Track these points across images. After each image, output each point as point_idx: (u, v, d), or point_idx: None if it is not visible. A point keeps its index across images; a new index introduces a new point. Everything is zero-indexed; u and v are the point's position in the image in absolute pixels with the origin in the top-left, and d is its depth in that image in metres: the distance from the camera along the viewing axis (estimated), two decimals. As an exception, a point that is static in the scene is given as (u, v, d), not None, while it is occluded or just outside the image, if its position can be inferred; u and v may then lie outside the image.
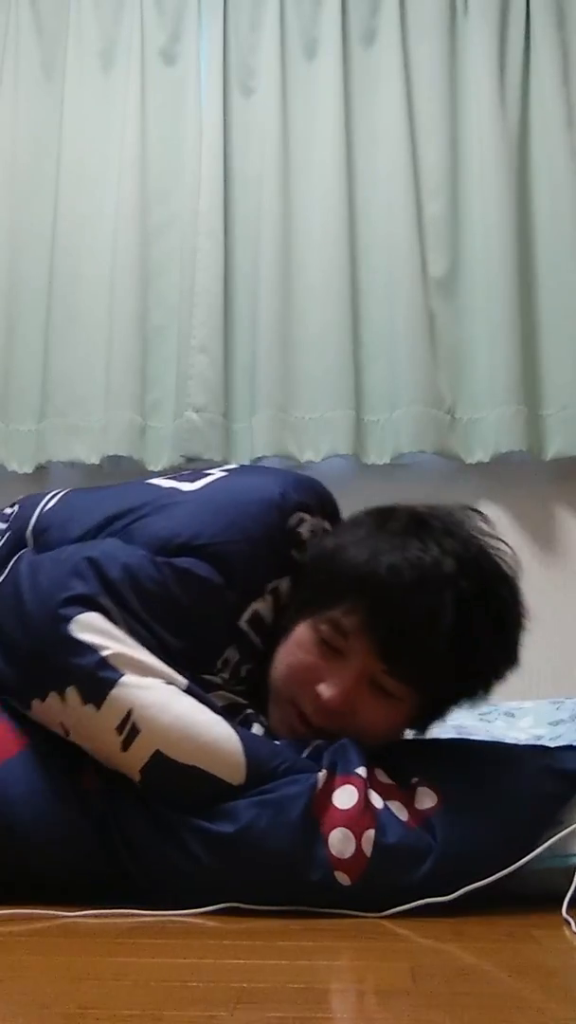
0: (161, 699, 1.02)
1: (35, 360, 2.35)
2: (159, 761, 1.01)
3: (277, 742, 1.09)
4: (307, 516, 1.16)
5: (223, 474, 1.23)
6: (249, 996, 0.70)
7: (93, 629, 1.03)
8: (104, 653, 1.02)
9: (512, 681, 1.15)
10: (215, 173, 2.36)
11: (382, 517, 1.14)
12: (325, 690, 1.08)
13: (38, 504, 1.24)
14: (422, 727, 1.19)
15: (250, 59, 2.44)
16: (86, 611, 1.04)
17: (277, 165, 2.36)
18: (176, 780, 1.01)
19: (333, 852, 0.99)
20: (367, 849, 0.99)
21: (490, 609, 1.08)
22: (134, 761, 1.02)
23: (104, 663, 1.02)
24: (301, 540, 1.15)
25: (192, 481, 1.20)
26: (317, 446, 2.26)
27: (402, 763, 1.09)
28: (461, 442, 2.28)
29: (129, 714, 1.01)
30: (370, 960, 0.82)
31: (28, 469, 2.30)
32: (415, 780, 1.06)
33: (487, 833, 1.02)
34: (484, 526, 1.13)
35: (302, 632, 1.12)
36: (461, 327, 2.33)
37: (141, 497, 1.19)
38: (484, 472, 2.30)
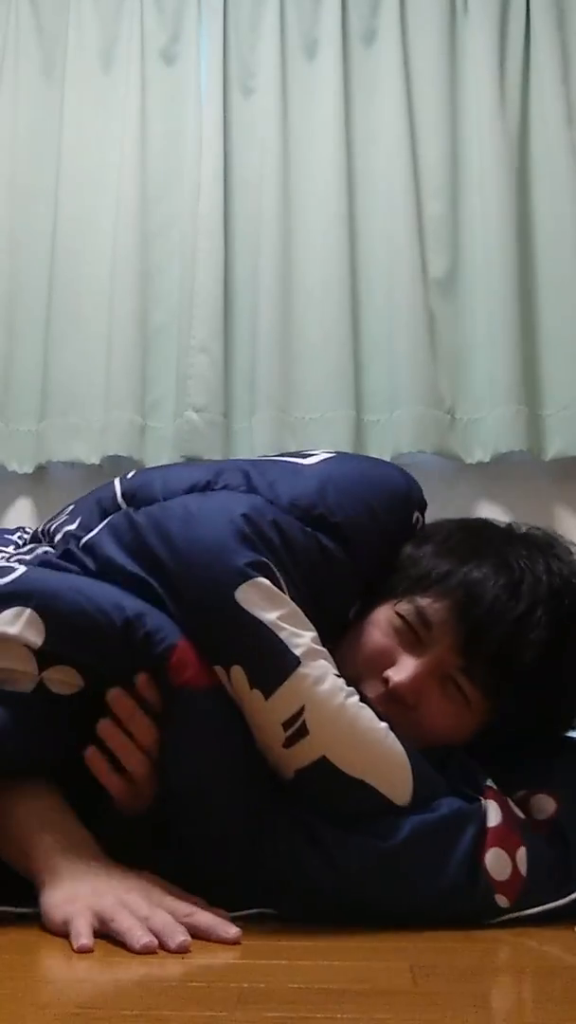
0: (335, 699, 0.94)
1: (35, 360, 2.35)
2: (322, 768, 0.93)
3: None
4: (421, 516, 1.15)
5: (333, 454, 1.17)
6: (249, 996, 0.70)
7: (266, 596, 0.95)
8: (281, 633, 0.94)
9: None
10: (215, 173, 2.36)
11: (479, 526, 1.14)
12: (395, 674, 1.03)
13: (110, 485, 1.16)
14: (483, 746, 1.10)
15: (250, 59, 2.44)
16: (255, 575, 0.95)
17: (277, 165, 2.36)
18: (336, 790, 0.94)
19: (492, 874, 0.95)
20: (522, 868, 0.96)
21: None
22: (293, 761, 0.94)
23: (278, 646, 0.93)
24: (417, 541, 1.12)
25: (301, 458, 1.15)
26: (317, 446, 2.25)
27: (499, 776, 1.04)
28: (461, 442, 2.28)
29: (301, 711, 0.93)
30: (370, 960, 0.82)
31: (28, 469, 2.30)
32: (522, 792, 1.03)
33: None
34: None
35: (382, 614, 1.07)
36: (461, 327, 2.33)
37: (241, 466, 1.12)
38: (484, 472, 2.30)
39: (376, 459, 1.46)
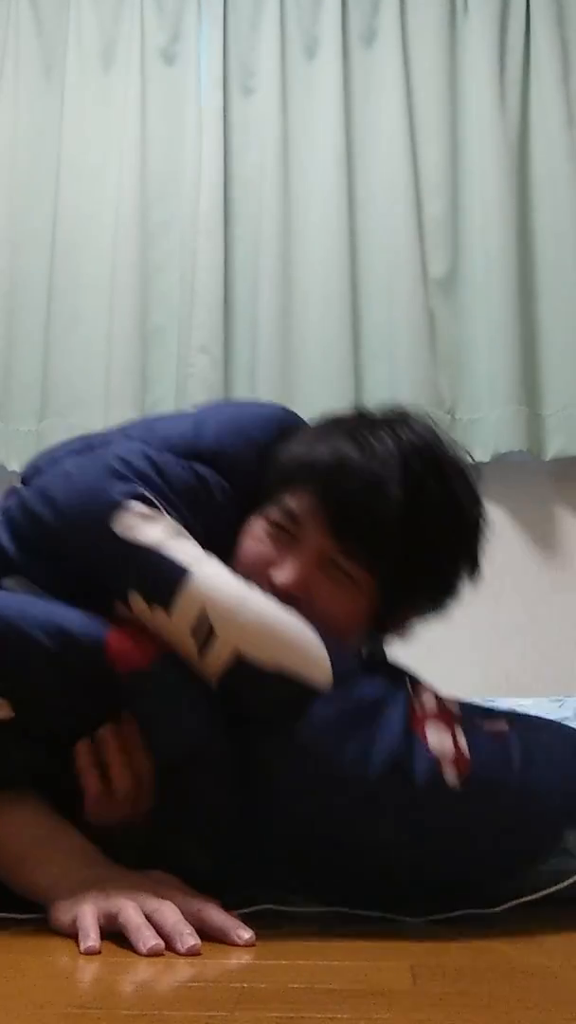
0: (234, 593, 0.94)
1: (35, 360, 2.35)
2: (239, 666, 0.92)
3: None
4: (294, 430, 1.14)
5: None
6: (249, 996, 0.70)
7: (141, 519, 0.95)
8: (163, 549, 0.94)
9: (513, 680, 1.14)
10: (215, 173, 2.36)
11: (331, 417, 1.13)
12: (280, 574, 1.02)
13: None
14: (385, 626, 1.12)
15: (250, 59, 2.44)
16: (128, 502, 0.96)
17: (277, 165, 2.36)
18: (258, 686, 0.93)
19: (435, 749, 0.92)
20: (463, 746, 0.93)
21: (443, 491, 1.05)
22: (212, 667, 0.93)
23: (164, 562, 0.94)
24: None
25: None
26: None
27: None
28: (461, 442, 2.27)
29: (203, 614, 0.92)
30: (370, 960, 0.82)
31: (28, 469, 2.30)
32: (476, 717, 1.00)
33: (564, 755, 0.98)
34: (447, 437, 1.12)
35: (254, 525, 1.06)
36: (461, 327, 2.33)
37: (126, 425, 1.16)
38: (484, 472, 2.28)
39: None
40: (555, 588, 2.29)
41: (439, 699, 0.98)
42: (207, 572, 0.95)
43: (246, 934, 0.85)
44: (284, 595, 1.00)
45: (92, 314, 2.34)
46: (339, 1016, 0.66)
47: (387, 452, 1.03)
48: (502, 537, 2.32)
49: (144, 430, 1.11)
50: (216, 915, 0.87)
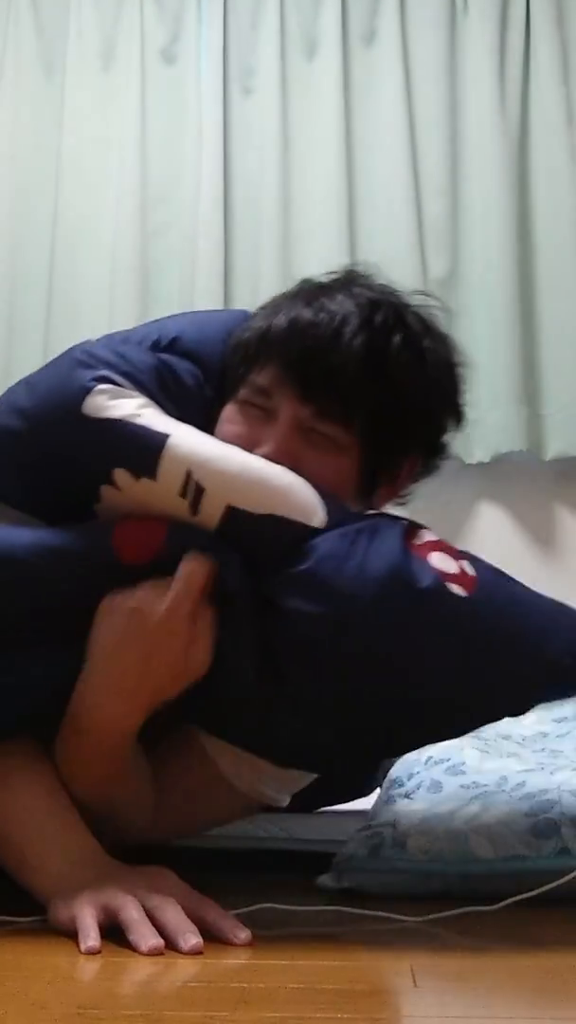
0: (219, 451, 0.95)
1: (35, 360, 2.34)
2: (233, 518, 0.92)
3: None
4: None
5: None
6: (249, 996, 0.70)
7: (112, 397, 0.95)
8: (138, 420, 0.94)
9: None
10: (215, 173, 2.36)
11: (285, 293, 1.12)
12: (261, 450, 0.99)
13: None
14: (378, 486, 1.09)
15: (250, 59, 2.44)
16: (95, 384, 0.95)
17: (277, 165, 2.36)
18: (252, 536, 0.93)
19: (437, 567, 0.93)
20: (469, 570, 0.94)
21: (406, 335, 1.04)
22: (207, 524, 0.93)
23: (141, 431, 0.93)
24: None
25: None
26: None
27: None
28: (461, 442, 2.28)
29: (189, 474, 0.92)
30: (370, 960, 0.82)
31: (28, 469, 2.30)
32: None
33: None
34: (405, 292, 1.10)
35: (227, 410, 1.05)
36: (461, 327, 2.33)
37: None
38: (484, 472, 2.30)
39: None
40: (555, 588, 2.28)
41: (441, 540, 0.99)
42: (185, 433, 0.95)
43: (243, 934, 0.84)
44: None
45: (92, 314, 2.34)
46: (339, 1016, 0.66)
47: (342, 308, 1.02)
48: (502, 537, 2.33)
49: (105, 337, 1.10)
50: (214, 913, 0.86)
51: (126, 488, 0.94)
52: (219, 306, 2.31)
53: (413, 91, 2.40)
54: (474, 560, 0.97)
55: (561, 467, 2.31)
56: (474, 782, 1.14)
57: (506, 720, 1.53)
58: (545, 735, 1.42)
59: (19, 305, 2.37)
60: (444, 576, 0.92)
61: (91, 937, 0.81)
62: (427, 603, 0.91)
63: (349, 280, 1.09)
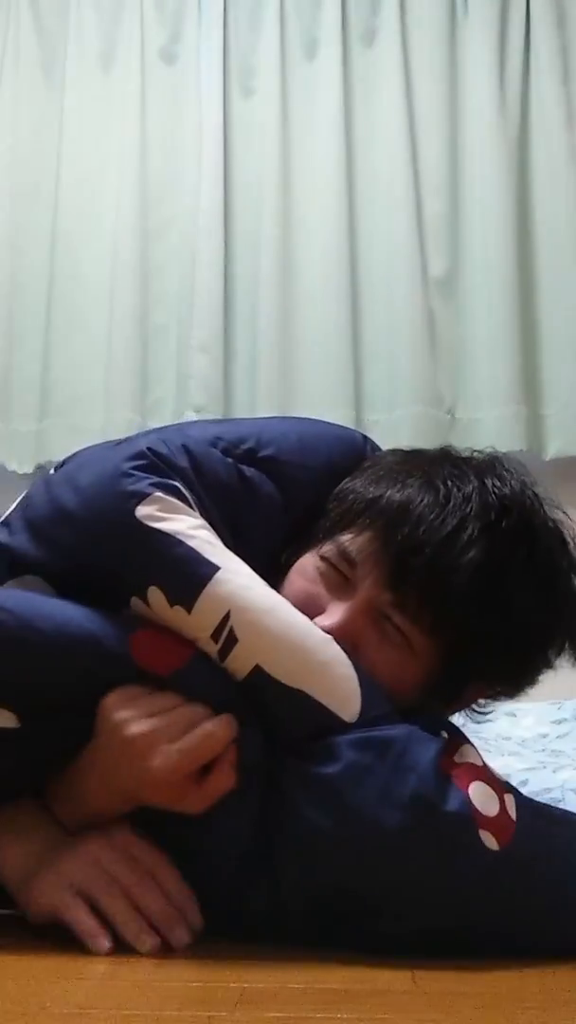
0: (266, 603, 0.85)
1: (35, 360, 2.35)
2: (259, 679, 0.84)
3: None
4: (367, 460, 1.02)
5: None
6: (249, 996, 0.70)
7: (170, 511, 0.86)
8: (191, 542, 0.84)
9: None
10: (215, 173, 2.36)
11: (413, 452, 1.01)
12: (324, 620, 0.90)
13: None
14: (443, 700, 0.97)
15: (250, 59, 2.44)
16: (156, 491, 0.86)
17: (277, 165, 2.36)
18: (276, 703, 0.84)
19: (476, 805, 0.80)
20: (512, 811, 0.82)
21: (531, 554, 0.90)
22: (233, 674, 0.85)
23: (190, 554, 0.84)
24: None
25: None
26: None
27: None
28: (461, 442, 2.24)
29: (227, 617, 0.83)
30: (370, 960, 0.82)
31: (28, 469, 2.30)
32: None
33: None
34: (543, 492, 0.97)
35: (305, 561, 0.95)
36: (461, 327, 2.33)
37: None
38: (484, 472, 2.29)
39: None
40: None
41: (486, 764, 0.88)
42: (236, 571, 0.86)
43: (180, 932, 0.82)
44: None
45: (92, 314, 2.34)
46: (339, 1016, 0.66)
47: (463, 508, 0.90)
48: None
49: (198, 427, 0.99)
50: (176, 892, 0.84)
51: (157, 609, 0.86)
52: (219, 306, 2.31)
53: (413, 91, 2.40)
54: (517, 795, 0.85)
55: (561, 467, 2.30)
56: (475, 781, 1.14)
57: (505, 721, 1.54)
58: (544, 736, 1.42)
59: (19, 305, 2.37)
60: (480, 820, 0.80)
61: (100, 936, 0.80)
62: (455, 853, 0.80)
63: (489, 467, 0.96)
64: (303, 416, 1.14)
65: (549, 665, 0.94)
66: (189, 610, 0.84)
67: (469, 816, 0.79)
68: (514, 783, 1.11)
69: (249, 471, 0.93)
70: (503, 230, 2.30)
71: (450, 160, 2.38)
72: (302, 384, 2.29)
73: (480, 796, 0.81)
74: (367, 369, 2.31)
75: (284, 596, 0.91)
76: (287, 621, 0.85)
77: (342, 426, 1.08)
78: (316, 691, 0.84)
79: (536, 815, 0.85)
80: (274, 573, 0.93)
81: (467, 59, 2.41)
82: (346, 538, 0.93)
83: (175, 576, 0.85)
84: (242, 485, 0.93)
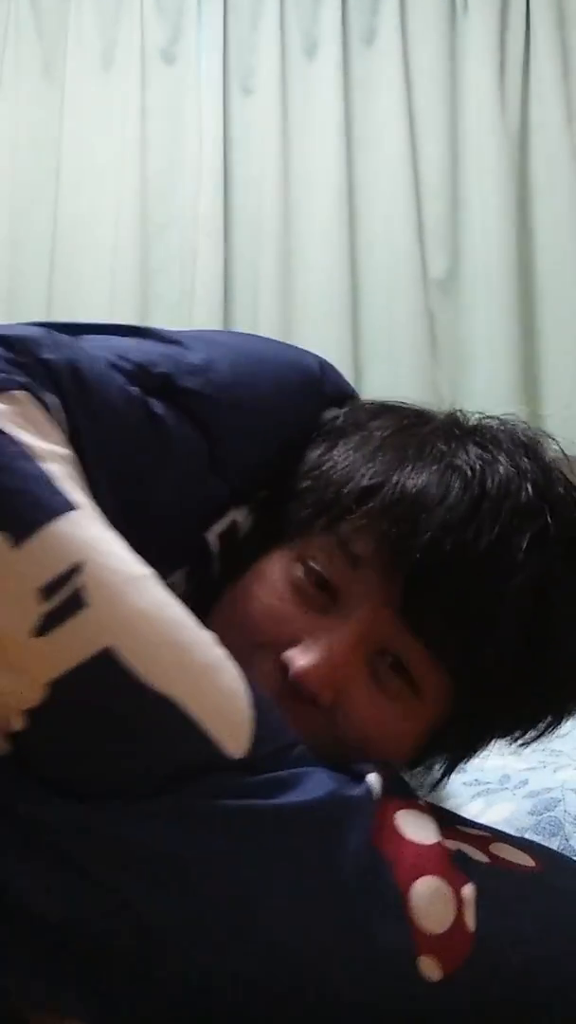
0: (136, 569, 0.54)
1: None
2: (101, 672, 0.51)
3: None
4: (341, 415, 0.75)
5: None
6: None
7: (26, 419, 0.55)
8: (45, 465, 0.54)
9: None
10: (215, 173, 2.36)
11: (419, 416, 0.73)
12: (299, 656, 0.62)
13: None
14: (441, 750, 0.72)
15: (250, 59, 2.44)
16: (14, 390, 0.56)
17: (277, 165, 2.37)
18: (122, 713, 0.51)
19: (420, 922, 0.52)
20: (470, 915, 0.54)
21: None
22: (52, 660, 0.51)
23: (40, 476, 0.54)
24: (325, 441, 0.72)
25: None
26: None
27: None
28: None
29: (76, 571, 0.51)
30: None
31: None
32: (486, 834, 0.63)
33: None
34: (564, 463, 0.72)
35: (275, 564, 0.67)
36: (461, 327, 2.34)
37: None
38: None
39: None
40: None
41: (436, 815, 0.60)
42: (103, 528, 0.55)
43: None
44: (298, 689, 0.62)
45: (92, 314, 2.34)
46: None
47: (506, 498, 0.64)
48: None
49: (99, 340, 0.67)
50: None
51: None
52: (219, 306, 2.31)
53: (413, 91, 2.40)
54: (481, 875, 0.56)
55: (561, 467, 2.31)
56: (476, 779, 1.14)
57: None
58: (545, 735, 1.42)
59: (19, 305, 2.37)
60: (421, 943, 0.52)
61: None
62: (376, 991, 0.52)
63: (520, 446, 0.69)
64: (245, 333, 0.81)
65: (570, 708, 0.71)
66: (17, 543, 0.51)
67: (407, 944, 0.52)
68: (514, 783, 1.11)
69: (160, 407, 0.64)
70: (503, 230, 2.31)
71: (450, 160, 2.38)
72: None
73: (428, 901, 0.53)
74: (367, 369, 2.32)
75: (237, 611, 0.66)
76: (161, 600, 0.54)
77: (292, 347, 0.79)
78: (192, 703, 0.52)
79: (508, 895, 0.57)
80: (195, 558, 0.67)
81: (467, 59, 2.41)
82: (337, 536, 0.65)
83: (7, 494, 0.53)
84: (150, 426, 0.63)
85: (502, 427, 0.71)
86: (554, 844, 1.04)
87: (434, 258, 2.35)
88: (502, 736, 0.72)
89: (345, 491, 0.66)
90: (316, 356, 0.77)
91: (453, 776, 1.14)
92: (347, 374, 2.48)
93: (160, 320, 2.34)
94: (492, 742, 0.73)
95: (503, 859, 0.60)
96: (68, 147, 2.40)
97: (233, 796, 0.52)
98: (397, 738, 0.65)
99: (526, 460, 0.67)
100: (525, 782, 1.12)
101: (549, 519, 0.65)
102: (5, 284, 2.37)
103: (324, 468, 0.69)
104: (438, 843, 0.56)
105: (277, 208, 2.35)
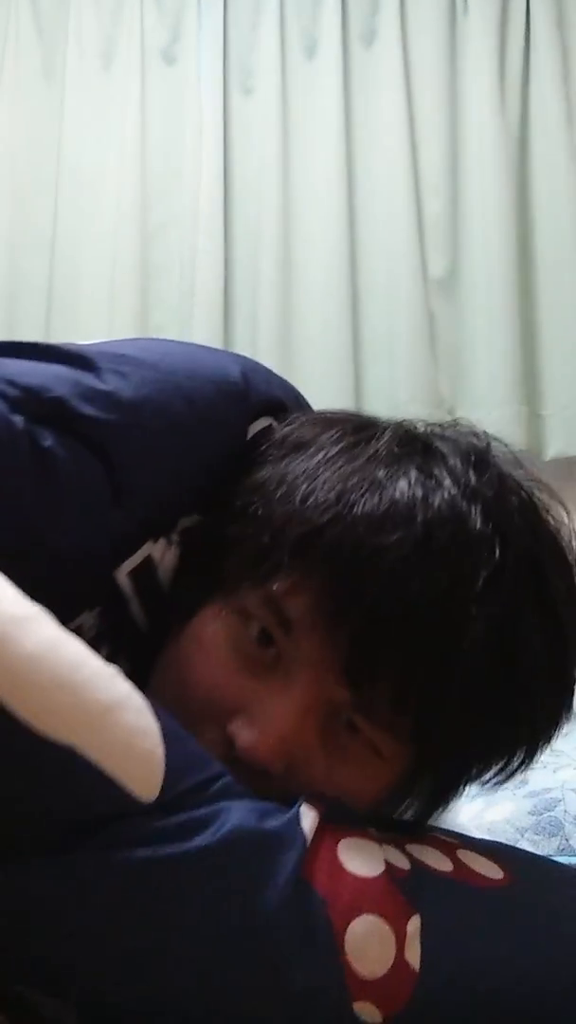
0: (21, 612, 0.51)
1: (35, 360, 2.35)
2: None
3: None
4: (276, 425, 0.68)
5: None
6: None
7: None
8: None
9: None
10: (215, 173, 2.36)
11: (359, 432, 0.65)
12: (244, 731, 0.59)
13: None
14: (421, 805, 0.66)
15: (250, 59, 2.44)
16: None
17: (277, 165, 2.36)
18: (19, 771, 0.49)
19: (355, 966, 0.49)
20: (412, 958, 0.50)
21: (544, 605, 0.60)
22: None
23: None
24: (259, 462, 0.65)
25: None
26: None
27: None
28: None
29: None
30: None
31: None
32: (455, 842, 0.60)
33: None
34: (519, 469, 0.66)
35: (210, 623, 0.62)
36: (461, 327, 2.34)
37: None
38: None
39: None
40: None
41: (397, 829, 0.59)
42: None
43: None
44: (246, 762, 0.58)
45: (92, 314, 2.34)
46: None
47: (458, 534, 0.58)
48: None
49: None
50: None
51: None
52: (219, 306, 2.31)
53: (413, 91, 2.40)
54: (432, 906, 0.52)
55: (561, 467, 2.31)
56: (476, 781, 1.14)
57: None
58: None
59: (19, 305, 2.37)
60: (355, 988, 0.49)
61: None
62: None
63: (468, 461, 0.63)
64: (164, 340, 0.71)
65: (536, 751, 0.65)
66: None
67: (338, 987, 0.49)
68: (514, 783, 1.11)
69: (49, 437, 0.57)
70: (503, 230, 2.30)
71: (450, 160, 2.38)
72: (302, 384, 2.24)
73: (363, 942, 0.49)
74: (367, 369, 2.31)
75: (176, 679, 0.62)
76: (52, 640, 0.51)
77: (214, 354, 0.72)
78: (93, 749, 0.49)
79: (466, 921, 0.53)
80: (107, 598, 0.62)
81: (467, 59, 2.41)
82: (275, 588, 0.59)
83: None
84: (32, 460, 0.57)
85: (447, 440, 0.65)
86: (554, 844, 1.05)
87: (434, 258, 2.34)
88: (473, 782, 0.67)
89: (279, 540, 0.60)
90: (241, 361, 0.70)
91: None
92: (347, 374, 2.48)
93: (160, 320, 2.35)
94: (464, 789, 0.68)
95: (468, 870, 0.56)
96: (68, 147, 2.40)
97: (144, 843, 0.49)
98: (357, 797, 0.61)
99: (473, 476, 0.61)
100: (525, 782, 1.12)
101: (499, 552, 0.59)
102: (5, 284, 2.37)
103: (257, 503, 0.62)
104: (383, 874, 0.52)
105: (277, 208, 2.34)
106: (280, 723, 0.59)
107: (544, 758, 1.27)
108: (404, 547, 0.57)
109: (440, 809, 0.68)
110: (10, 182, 2.41)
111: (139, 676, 0.58)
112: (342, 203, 2.34)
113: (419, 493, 0.59)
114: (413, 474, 0.60)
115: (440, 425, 0.67)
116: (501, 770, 0.65)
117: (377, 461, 0.61)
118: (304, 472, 0.62)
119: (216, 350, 0.73)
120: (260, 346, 2.29)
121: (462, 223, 2.36)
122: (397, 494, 0.59)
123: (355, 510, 0.58)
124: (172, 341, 0.73)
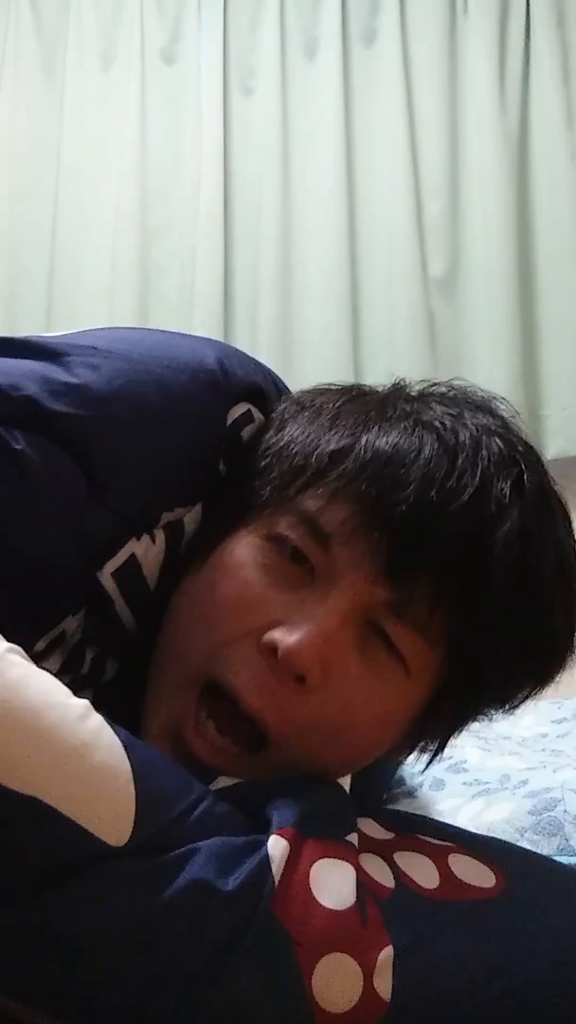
0: None
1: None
2: None
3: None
4: (255, 411, 0.68)
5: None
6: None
7: None
8: None
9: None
10: (215, 173, 2.36)
11: (366, 394, 0.69)
12: (286, 635, 0.58)
13: None
14: (435, 738, 0.69)
15: (250, 59, 2.44)
16: None
17: (277, 165, 2.36)
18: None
19: (323, 1005, 0.49)
20: (382, 988, 0.50)
21: (555, 527, 0.65)
22: None
23: None
24: (239, 448, 0.66)
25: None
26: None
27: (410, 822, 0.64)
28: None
29: None
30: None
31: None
32: (448, 844, 0.60)
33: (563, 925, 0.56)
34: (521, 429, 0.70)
35: (235, 550, 0.63)
36: (461, 327, 2.34)
37: None
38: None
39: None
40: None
41: (394, 824, 0.60)
42: None
43: None
44: (287, 668, 0.59)
45: (92, 314, 2.34)
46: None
47: (479, 449, 0.63)
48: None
49: None
50: None
51: None
52: (219, 305, 2.31)
53: (413, 91, 2.40)
54: (406, 914, 0.53)
55: (561, 467, 2.30)
56: (476, 779, 1.14)
57: (505, 720, 1.53)
58: (544, 735, 1.42)
59: (19, 305, 2.37)
60: (323, 1019, 0.49)
61: None
62: None
63: (482, 404, 0.69)
64: (140, 329, 0.74)
65: (553, 674, 0.67)
66: None
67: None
68: (514, 783, 1.11)
69: (20, 438, 0.57)
70: (503, 230, 2.30)
71: (450, 160, 2.38)
72: (302, 384, 2.26)
73: (329, 983, 0.49)
74: (367, 369, 2.31)
75: (207, 599, 0.62)
76: (13, 682, 0.50)
77: (189, 341, 0.70)
78: (58, 798, 0.48)
79: (448, 940, 0.52)
80: (91, 599, 0.61)
81: (467, 59, 2.41)
82: (308, 506, 0.61)
83: None
84: (3, 467, 0.56)
85: (454, 391, 0.70)
86: (554, 844, 1.05)
87: (434, 258, 2.35)
88: (490, 705, 0.69)
89: (312, 459, 0.62)
90: (215, 346, 0.69)
91: (453, 776, 1.15)
92: (347, 373, 2.48)
93: (160, 320, 2.34)
94: (482, 713, 0.70)
95: (456, 883, 0.56)
96: (68, 147, 2.40)
97: (116, 889, 0.49)
98: (384, 720, 0.62)
99: (489, 417, 0.66)
100: (525, 782, 1.12)
101: (518, 469, 0.63)
102: (5, 284, 2.37)
103: (279, 443, 0.64)
104: (354, 906, 0.51)
105: (277, 208, 2.34)
106: (324, 622, 0.59)
107: (544, 758, 1.27)
108: (439, 453, 0.61)
109: (457, 732, 0.69)
110: (10, 182, 2.41)
111: (128, 676, 0.60)
112: (342, 203, 2.34)
113: (446, 419, 0.63)
114: (437, 407, 0.65)
115: (441, 383, 0.71)
116: (519, 687, 0.67)
117: (396, 399, 0.66)
118: (322, 415, 0.65)
119: (190, 336, 0.72)
120: (260, 346, 2.29)
121: (462, 223, 2.36)
122: (425, 417, 0.63)
123: (385, 428, 0.62)
124: (144, 329, 0.73)
